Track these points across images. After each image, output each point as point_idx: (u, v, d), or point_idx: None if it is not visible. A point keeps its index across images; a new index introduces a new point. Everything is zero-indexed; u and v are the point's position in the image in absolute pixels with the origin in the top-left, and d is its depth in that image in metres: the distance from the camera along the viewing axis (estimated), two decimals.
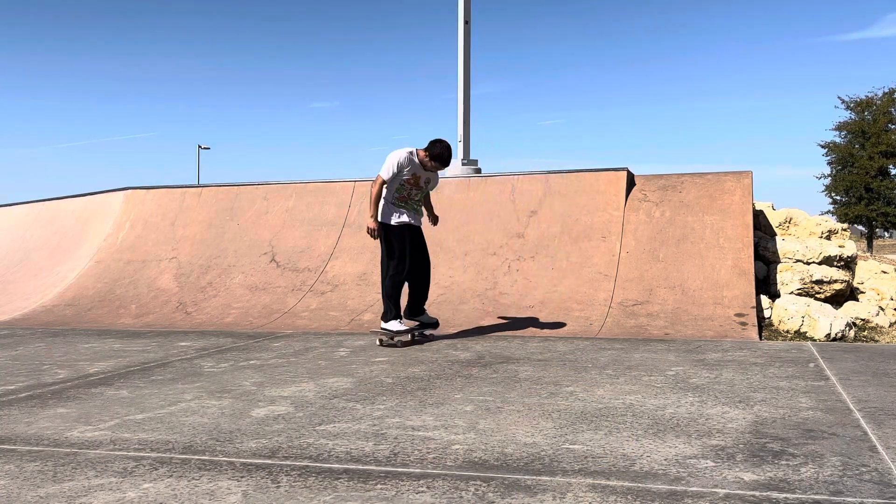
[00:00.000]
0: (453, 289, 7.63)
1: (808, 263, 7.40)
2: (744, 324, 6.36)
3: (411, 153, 5.89)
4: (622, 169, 8.21)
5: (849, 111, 42.65)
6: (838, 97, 48.66)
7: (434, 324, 6.31)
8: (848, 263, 7.48)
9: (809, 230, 8.28)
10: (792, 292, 7.18)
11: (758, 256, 7.53)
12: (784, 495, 2.48)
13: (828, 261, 7.38)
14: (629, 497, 2.48)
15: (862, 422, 3.42)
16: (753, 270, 7.00)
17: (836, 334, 6.23)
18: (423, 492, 2.57)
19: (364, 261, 8.32)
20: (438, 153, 5.86)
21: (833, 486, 2.57)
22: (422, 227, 6.24)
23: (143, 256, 9.29)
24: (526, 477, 2.71)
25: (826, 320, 6.32)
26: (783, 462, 2.83)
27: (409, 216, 6.02)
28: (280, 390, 4.33)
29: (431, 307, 7.35)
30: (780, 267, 7.41)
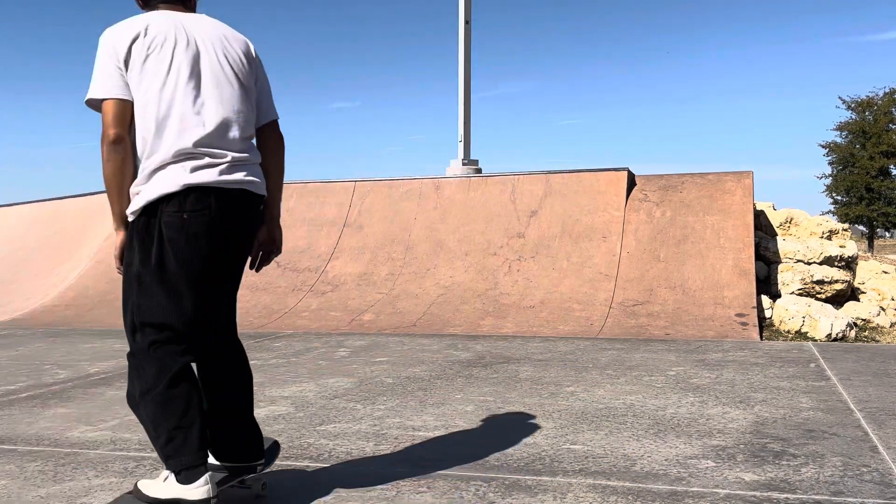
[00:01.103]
0: (454, 289, 7.62)
1: (809, 263, 7.39)
2: (744, 324, 6.36)
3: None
4: (623, 169, 8.21)
5: (849, 111, 42.66)
6: (839, 97, 48.59)
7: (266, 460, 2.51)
8: (849, 263, 7.48)
9: (810, 230, 8.28)
10: (793, 292, 7.17)
11: (758, 256, 7.53)
12: (785, 495, 2.48)
13: (829, 261, 7.38)
14: (630, 497, 2.48)
15: (863, 422, 3.42)
16: (754, 270, 6.99)
17: (836, 334, 6.22)
18: (423, 492, 2.57)
19: (364, 261, 8.32)
20: None
21: (834, 486, 2.56)
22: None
23: None
24: (526, 477, 2.71)
25: (827, 320, 6.31)
26: (784, 462, 2.83)
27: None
28: (280, 390, 4.33)
29: (432, 307, 7.33)
30: (780, 267, 7.40)
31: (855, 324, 6.52)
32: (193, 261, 2.23)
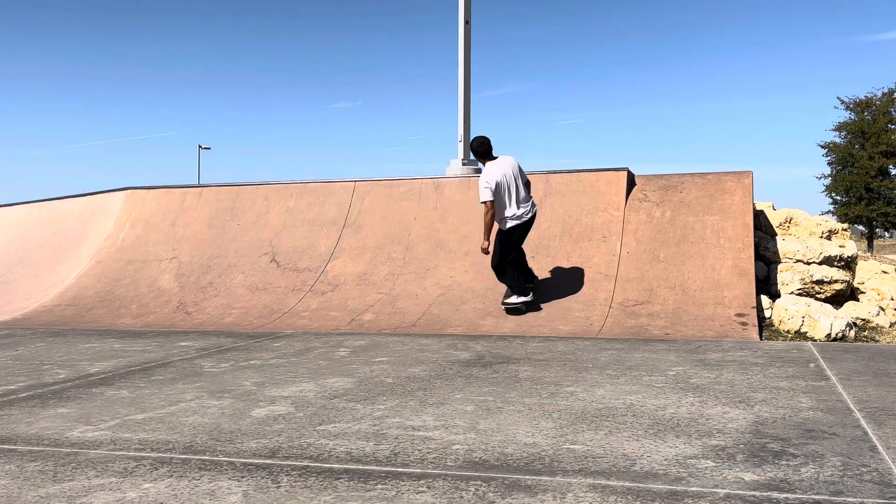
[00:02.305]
0: (454, 289, 7.62)
1: (809, 263, 7.39)
2: (744, 324, 6.36)
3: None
4: (622, 169, 8.21)
5: (848, 111, 42.65)
6: (838, 97, 48.70)
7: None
8: (848, 263, 7.48)
9: (810, 230, 8.28)
10: (792, 292, 7.17)
11: (758, 256, 7.53)
12: (784, 495, 2.48)
13: (828, 261, 7.38)
14: (629, 497, 2.48)
15: (862, 422, 3.42)
16: (754, 270, 6.99)
17: (836, 334, 6.23)
18: (423, 492, 2.57)
19: (364, 261, 8.32)
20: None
21: (833, 486, 2.57)
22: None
23: (143, 256, 9.29)
24: (526, 477, 2.71)
25: (826, 320, 6.32)
26: (783, 462, 2.83)
27: None
28: (280, 390, 4.33)
29: (432, 307, 7.36)
30: (780, 267, 7.40)
31: (854, 324, 6.52)
32: (517, 240, 7.06)
